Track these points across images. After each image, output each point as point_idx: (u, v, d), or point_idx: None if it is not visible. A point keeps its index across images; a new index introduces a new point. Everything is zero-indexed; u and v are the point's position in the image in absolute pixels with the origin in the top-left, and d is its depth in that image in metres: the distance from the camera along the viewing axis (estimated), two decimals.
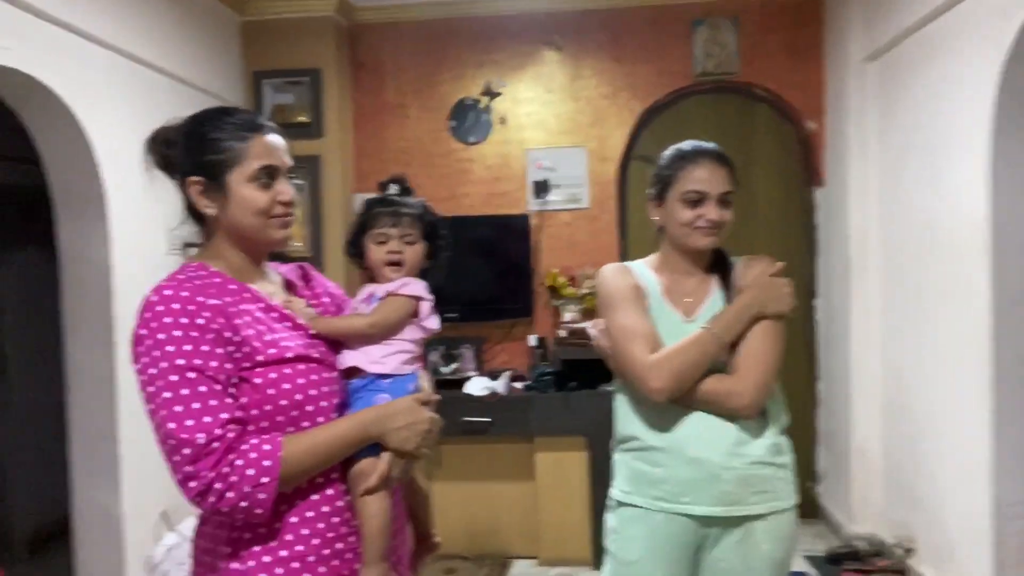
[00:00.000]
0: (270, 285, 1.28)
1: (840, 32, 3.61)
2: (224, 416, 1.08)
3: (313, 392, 1.17)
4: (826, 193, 3.85)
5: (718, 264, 1.69)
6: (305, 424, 1.16)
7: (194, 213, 1.24)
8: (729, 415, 1.54)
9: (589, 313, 3.78)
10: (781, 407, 1.66)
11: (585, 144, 3.94)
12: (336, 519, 1.18)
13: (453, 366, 3.83)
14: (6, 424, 3.74)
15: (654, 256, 1.75)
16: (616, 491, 1.65)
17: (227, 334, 1.13)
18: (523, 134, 3.97)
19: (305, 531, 1.14)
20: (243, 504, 1.06)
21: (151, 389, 1.09)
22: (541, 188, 3.93)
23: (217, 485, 1.05)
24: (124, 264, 2.78)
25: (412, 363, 1.32)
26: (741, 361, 1.55)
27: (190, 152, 1.22)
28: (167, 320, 1.10)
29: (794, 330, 4.01)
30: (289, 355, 1.17)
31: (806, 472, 3.95)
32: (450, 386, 3.64)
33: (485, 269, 3.86)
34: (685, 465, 1.53)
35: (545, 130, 3.96)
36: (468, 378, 3.67)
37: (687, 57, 3.88)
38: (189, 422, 1.06)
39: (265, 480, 1.07)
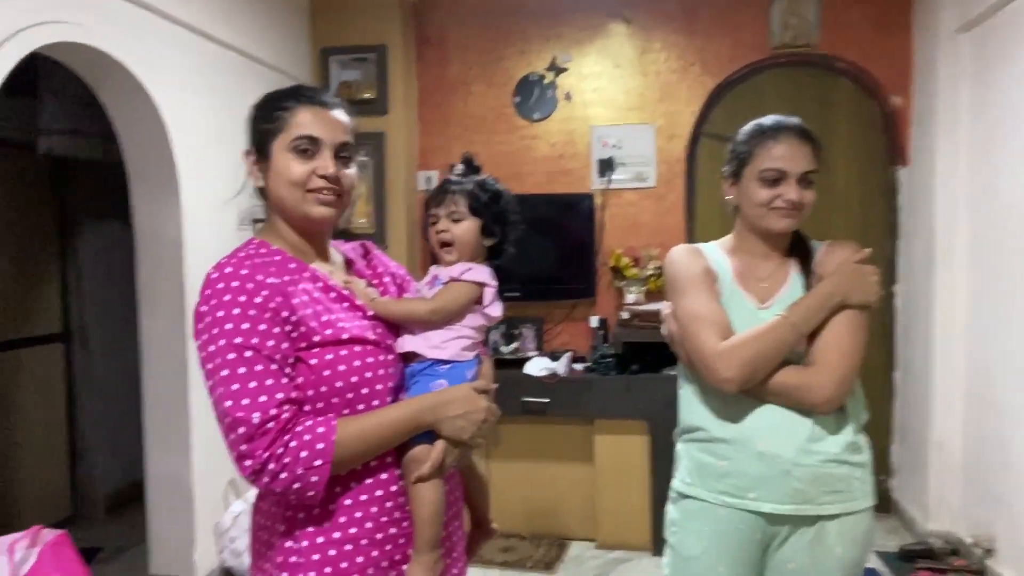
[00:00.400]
0: (330, 265, 1.26)
1: (931, 1, 3.38)
2: (279, 396, 1.07)
3: (369, 375, 1.16)
4: (910, 173, 3.64)
5: (797, 248, 1.59)
6: (360, 407, 1.15)
7: (261, 188, 1.23)
8: (805, 409, 1.45)
9: (652, 295, 3.70)
10: (861, 403, 1.56)
11: (653, 121, 3.83)
12: (390, 503, 1.16)
13: (513, 345, 3.81)
14: (89, 391, 3.92)
15: (728, 238, 1.66)
16: (678, 482, 1.58)
17: (284, 313, 1.11)
18: (588, 111, 3.88)
19: (358, 514, 1.13)
20: (296, 486, 1.06)
21: (209, 366, 1.09)
22: (606, 166, 3.85)
23: (271, 466, 1.05)
24: (195, 238, 2.84)
25: (472, 349, 1.29)
26: (820, 353, 1.45)
27: (250, 124, 1.22)
28: (226, 298, 1.09)
29: (871, 317, 3.82)
30: (345, 336, 1.15)
31: (879, 465, 3.76)
32: (510, 365, 3.63)
33: (548, 248, 3.81)
34: (754, 459, 1.45)
35: (611, 106, 3.86)
36: (528, 358, 3.64)
37: (763, 29, 3.71)
38: (245, 401, 1.05)
39: (318, 463, 1.06)
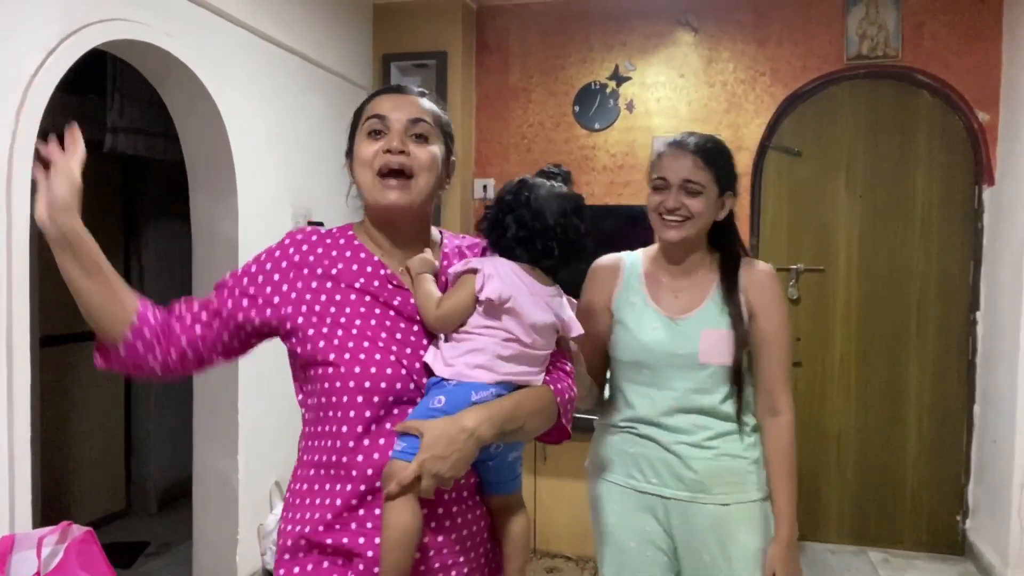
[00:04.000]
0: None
1: (1022, 11, 3.17)
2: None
3: (383, 384, 1.11)
4: (996, 193, 3.40)
5: (727, 259, 1.65)
6: (395, 412, 1.12)
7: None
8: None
9: None
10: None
11: (718, 132, 3.69)
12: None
13: None
14: (147, 387, 3.99)
15: (655, 245, 1.73)
16: None
17: (267, 288, 1.17)
18: (651, 121, 3.77)
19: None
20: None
21: None
22: None
23: None
24: (250, 238, 2.85)
25: (495, 366, 1.15)
26: None
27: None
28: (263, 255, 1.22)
29: (948, 347, 3.64)
30: (331, 357, 1.12)
31: (954, 504, 3.54)
32: None
33: None
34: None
35: (675, 117, 3.75)
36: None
37: (839, 39, 3.54)
38: None
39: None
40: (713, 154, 1.59)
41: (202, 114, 2.67)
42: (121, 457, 3.94)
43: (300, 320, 1.14)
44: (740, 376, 1.58)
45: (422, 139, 1.17)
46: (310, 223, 3.13)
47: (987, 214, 3.45)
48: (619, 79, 3.79)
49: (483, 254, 1.28)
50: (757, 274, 1.60)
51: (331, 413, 1.12)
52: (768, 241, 3.69)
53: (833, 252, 3.65)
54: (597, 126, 3.82)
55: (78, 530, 1.36)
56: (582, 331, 1.26)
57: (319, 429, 1.14)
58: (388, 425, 1.11)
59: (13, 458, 1.82)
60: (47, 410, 3.31)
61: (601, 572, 1.69)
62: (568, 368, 1.29)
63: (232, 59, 2.74)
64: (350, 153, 1.21)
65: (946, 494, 3.54)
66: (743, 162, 3.67)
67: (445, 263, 1.24)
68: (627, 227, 3.75)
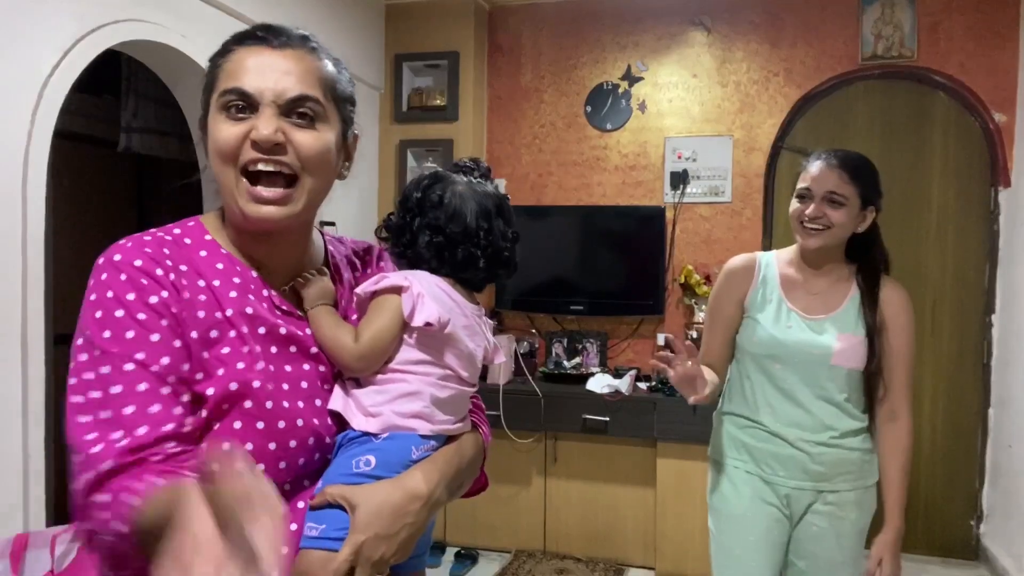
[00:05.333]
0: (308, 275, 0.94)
1: None
2: (167, 428, 0.79)
3: (272, 445, 0.83)
4: (1012, 195, 3.37)
5: (868, 271, 1.78)
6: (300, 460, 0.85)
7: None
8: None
9: None
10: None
11: (731, 133, 3.67)
12: None
13: (576, 360, 3.70)
14: None
15: (792, 247, 1.84)
16: None
17: (187, 328, 0.83)
18: (663, 121, 3.76)
19: None
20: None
21: (73, 380, 0.83)
22: (679, 179, 3.71)
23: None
24: None
25: (430, 414, 0.91)
26: None
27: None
28: (109, 294, 0.81)
29: (965, 349, 3.60)
30: (232, 388, 0.81)
31: (968, 508, 3.51)
32: (571, 381, 3.52)
33: (615, 262, 3.70)
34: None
35: (687, 117, 3.73)
36: (591, 374, 3.53)
37: (853, 39, 3.51)
38: (114, 433, 0.78)
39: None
40: (859, 170, 1.70)
41: None
42: None
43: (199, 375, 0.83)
44: (869, 382, 1.72)
45: (306, 119, 0.85)
46: (322, 223, 3.13)
47: (1003, 216, 3.42)
48: (631, 79, 3.78)
49: (379, 260, 1.07)
50: (895, 294, 1.75)
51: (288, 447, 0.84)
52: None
53: None
54: (609, 126, 3.81)
55: None
56: (504, 359, 1.07)
57: None
58: (300, 504, 0.84)
59: (28, 456, 1.84)
60: (61, 408, 3.33)
61: (719, 552, 1.87)
62: (479, 402, 1.06)
63: None
64: (203, 120, 0.88)
65: (960, 498, 3.51)
66: (757, 162, 3.65)
67: (345, 276, 1.00)
68: (638, 227, 3.74)
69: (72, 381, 0.80)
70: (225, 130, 0.83)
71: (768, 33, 3.62)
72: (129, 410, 0.77)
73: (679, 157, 3.72)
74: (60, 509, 3.20)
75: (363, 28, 3.64)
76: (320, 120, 0.87)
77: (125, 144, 3.19)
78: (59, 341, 3.32)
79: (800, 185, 1.74)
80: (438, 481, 0.87)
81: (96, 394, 0.78)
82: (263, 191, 0.84)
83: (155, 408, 0.78)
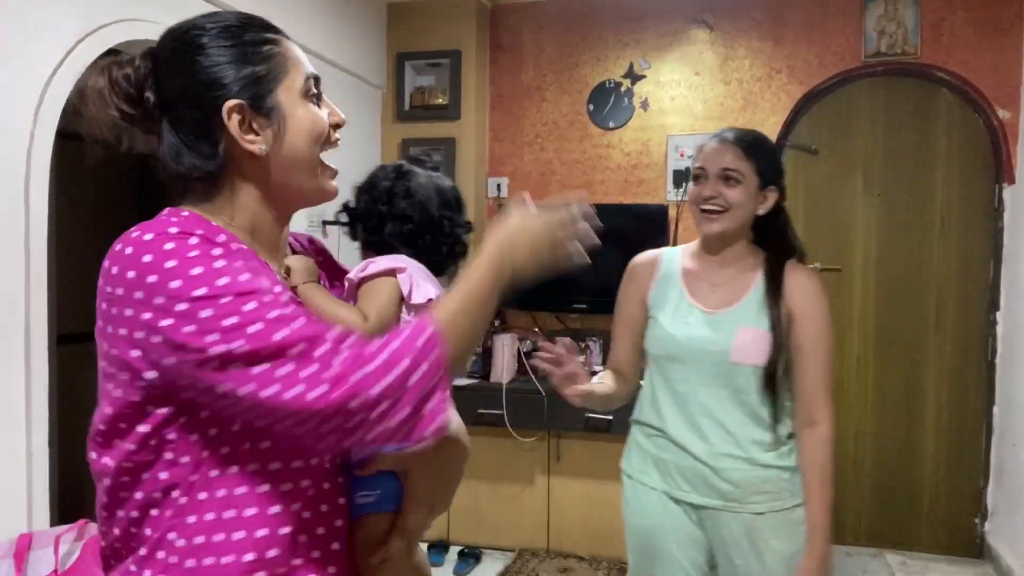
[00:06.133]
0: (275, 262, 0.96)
1: None
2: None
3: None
4: (1016, 191, 3.36)
5: (774, 258, 1.60)
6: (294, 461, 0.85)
7: (196, 160, 0.88)
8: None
9: None
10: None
11: None
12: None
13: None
14: None
15: (696, 241, 1.71)
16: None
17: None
18: (666, 119, 3.75)
19: None
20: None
21: (211, 338, 0.77)
22: (682, 177, 3.70)
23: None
24: None
25: None
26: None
27: (217, 71, 0.85)
28: (192, 254, 0.80)
29: (969, 347, 3.59)
30: None
31: (972, 506, 3.50)
32: None
33: (619, 260, 3.67)
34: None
35: (690, 115, 3.72)
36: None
37: (856, 36, 3.50)
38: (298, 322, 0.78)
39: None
40: (754, 146, 1.58)
41: None
42: None
43: None
44: (775, 381, 1.52)
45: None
46: (324, 223, 3.13)
47: (1007, 213, 3.41)
48: (634, 77, 3.77)
49: (317, 251, 1.10)
50: (801, 278, 1.56)
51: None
52: None
53: (850, 251, 3.61)
54: (611, 124, 3.81)
55: (95, 528, 1.36)
56: None
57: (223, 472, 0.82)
58: (340, 480, 0.90)
59: (31, 456, 1.84)
60: (64, 407, 3.33)
61: (632, 571, 1.69)
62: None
63: None
64: (259, 104, 0.86)
65: (965, 496, 3.50)
66: None
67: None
68: (641, 226, 3.73)
69: (209, 338, 0.74)
70: (320, 114, 0.91)
71: (771, 30, 3.61)
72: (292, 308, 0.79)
73: (682, 155, 3.71)
74: (64, 509, 3.20)
75: (365, 27, 3.63)
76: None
77: (127, 144, 3.19)
78: (62, 341, 3.33)
79: (694, 166, 1.61)
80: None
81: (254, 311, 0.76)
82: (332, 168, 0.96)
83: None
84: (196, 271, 0.77)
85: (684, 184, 3.70)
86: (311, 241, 1.11)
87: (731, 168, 1.54)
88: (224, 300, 0.76)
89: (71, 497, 3.44)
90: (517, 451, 3.44)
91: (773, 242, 1.60)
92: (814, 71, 3.57)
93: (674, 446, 1.58)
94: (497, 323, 3.77)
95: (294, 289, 0.95)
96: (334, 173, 0.95)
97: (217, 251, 0.80)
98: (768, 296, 1.53)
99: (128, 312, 0.79)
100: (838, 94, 3.59)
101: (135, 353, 0.80)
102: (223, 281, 0.77)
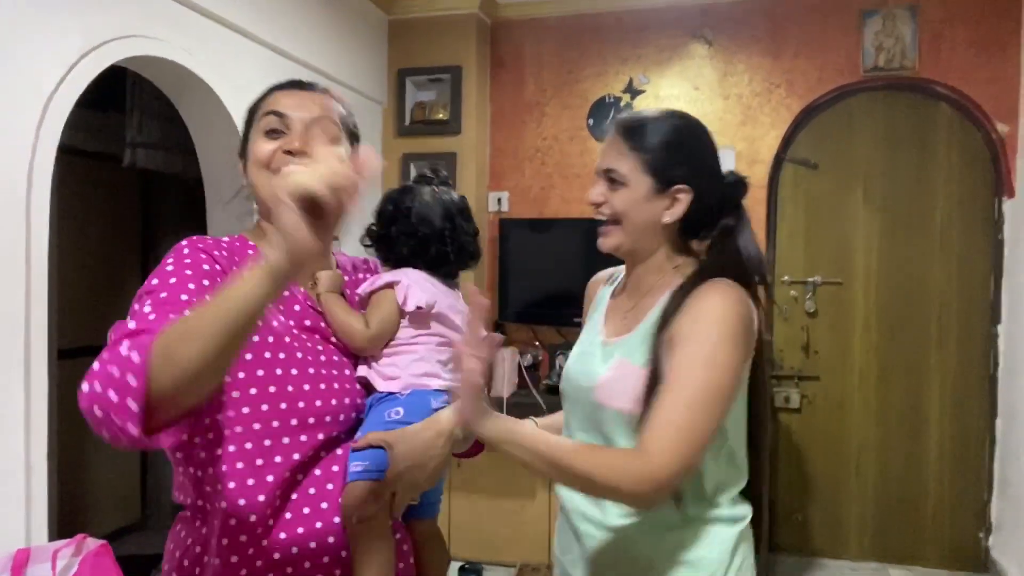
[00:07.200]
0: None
1: None
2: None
3: (301, 404, 1.01)
4: (1016, 205, 3.36)
5: (695, 278, 1.17)
6: (319, 435, 1.02)
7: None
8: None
9: None
10: None
11: (733, 145, 3.68)
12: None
13: (510, 357, 3.69)
14: None
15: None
16: None
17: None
18: None
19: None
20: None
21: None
22: None
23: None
24: None
25: (437, 373, 1.14)
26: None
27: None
28: (168, 267, 1.01)
29: (971, 360, 3.58)
30: (266, 356, 1.01)
31: (977, 520, 3.48)
32: None
33: None
34: None
35: None
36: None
37: (855, 51, 3.52)
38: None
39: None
40: (641, 134, 1.19)
41: (219, 129, 2.69)
42: (137, 470, 3.95)
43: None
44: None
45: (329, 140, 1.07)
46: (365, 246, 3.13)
47: (1007, 226, 3.41)
48: (633, 92, 3.79)
49: (376, 270, 1.26)
50: (705, 297, 1.10)
51: (308, 422, 1.03)
52: (785, 254, 3.67)
53: (851, 265, 3.62)
54: None
55: (93, 543, 1.36)
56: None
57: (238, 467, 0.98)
58: (339, 451, 1.05)
59: (30, 470, 1.83)
60: (64, 422, 3.33)
61: None
62: None
63: (249, 74, 2.76)
64: (243, 153, 1.11)
65: (968, 510, 3.48)
66: (759, 174, 3.65)
67: (346, 278, 1.19)
68: None
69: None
70: (263, 144, 1.06)
71: (770, 46, 3.63)
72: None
73: None
74: (63, 523, 3.19)
75: (366, 43, 3.66)
76: (335, 141, 1.09)
77: (130, 160, 3.20)
78: (64, 355, 3.34)
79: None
80: (456, 422, 1.05)
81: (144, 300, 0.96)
82: None
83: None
84: (154, 278, 1.00)
85: None
86: (364, 262, 1.27)
87: (613, 168, 1.19)
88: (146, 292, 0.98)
89: (69, 512, 3.43)
90: (518, 466, 3.41)
91: (713, 254, 1.22)
92: (813, 86, 3.59)
93: (562, 504, 1.26)
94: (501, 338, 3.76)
95: (318, 296, 1.12)
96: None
97: (187, 260, 1.00)
98: (659, 322, 1.13)
99: None
100: (837, 108, 3.61)
101: None
102: (154, 281, 0.99)
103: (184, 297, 0.95)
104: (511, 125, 3.97)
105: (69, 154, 3.16)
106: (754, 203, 3.66)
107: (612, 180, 1.20)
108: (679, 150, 1.20)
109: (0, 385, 1.78)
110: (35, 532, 1.85)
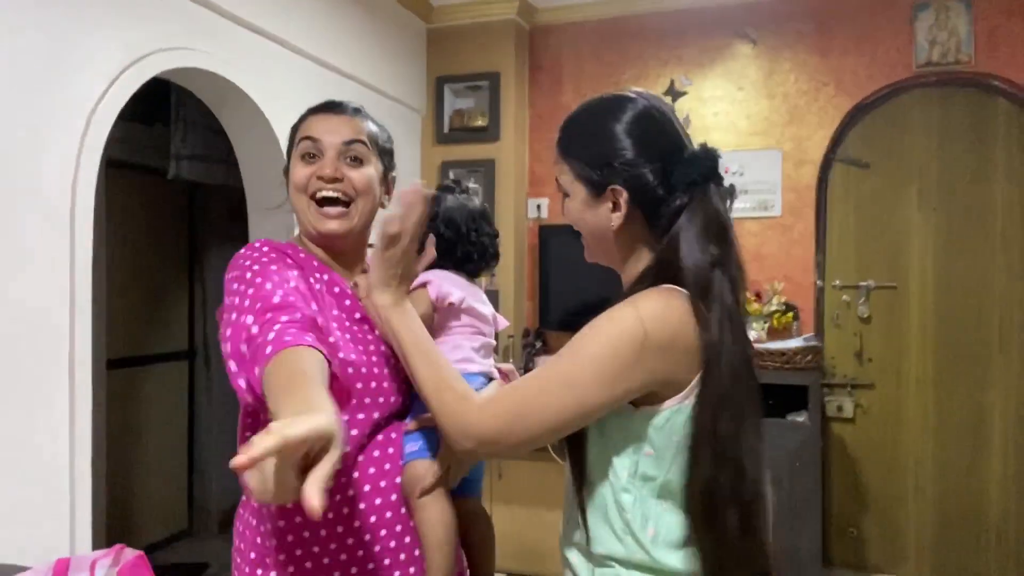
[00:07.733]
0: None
1: None
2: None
3: (359, 385, 1.10)
4: None
5: (632, 286, 1.08)
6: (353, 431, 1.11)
7: None
8: None
9: (775, 332, 3.42)
10: None
11: (780, 146, 3.58)
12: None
13: None
14: (210, 408, 4.06)
15: None
16: None
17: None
18: (709, 136, 3.68)
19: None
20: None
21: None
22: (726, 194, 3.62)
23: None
24: None
25: (476, 360, 1.25)
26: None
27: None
28: (246, 262, 1.10)
29: (1020, 369, 3.39)
30: (340, 355, 1.08)
31: None
32: None
33: None
34: None
35: (734, 131, 3.65)
36: None
37: (907, 46, 3.39)
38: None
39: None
40: (566, 136, 1.15)
41: (260, 139, 2.71)
42: (184, 478, 4.01)
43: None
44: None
45: (357, 161, 1.17)
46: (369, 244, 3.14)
47: None
48: (675, 94, 3.72)
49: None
50: (618, 306, 1.02)
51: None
52: (835, 258, 3.54)
53: (905, 268, 3.47)
54: None
55: (130, 553, 1.36)
56: (508, 323, 1.35)
57: None
58: (392, 435, 1.14)
59: (74, 480, 1.85)
60: (112, 431, 3.39)
61: None
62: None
63: (289, 85, 2.78)
64: (287, 171, 1.22)
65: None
66: (807, 175, 3.54)
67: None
68: None
69: (226, 316, 1.04)
70: (301, 169, 1.16)
71: (817, 43, 3.52)
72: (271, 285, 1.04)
73: (726, 172, 3.60)
74: (111, 531, 3.25)
75: (405, 52, 3.67)
76: (365, 161, 1.18)
77: (175, 172, 3.26)
78: (112, 365, 3.40)
79: None
80: (361, 290, 1.17)
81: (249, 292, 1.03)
82: (328, 209, 1.16)
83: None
84: (246, 273, 1.08)
85: (729, 201, 3.61)
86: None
87: (557, 180, 1.12)
88: (241, 287, 1.06)
89: (118, 520, 3.49)
90: (560, 476, 3.36)
91: (653, 261, 1.09)
92: (863, 83, 3.47)
93: None
94: (539, 344, 3.72)
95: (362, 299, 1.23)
96: (330, 216, 1.14)
97: (272, 262, 1.09)
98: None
99: None
100: (889, 106, 3.48)
101: None
102: (256, 267, 1.08)
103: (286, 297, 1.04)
104: (550, 130, 3.93)
105: (116, 167, 3.23)
106: (802, 205, 3.55)
107: (563, 193, 1.13)
108: (600, 143, 1.07)
109: (45, 395, 1.81)
110: (79, 540, 1.86)
